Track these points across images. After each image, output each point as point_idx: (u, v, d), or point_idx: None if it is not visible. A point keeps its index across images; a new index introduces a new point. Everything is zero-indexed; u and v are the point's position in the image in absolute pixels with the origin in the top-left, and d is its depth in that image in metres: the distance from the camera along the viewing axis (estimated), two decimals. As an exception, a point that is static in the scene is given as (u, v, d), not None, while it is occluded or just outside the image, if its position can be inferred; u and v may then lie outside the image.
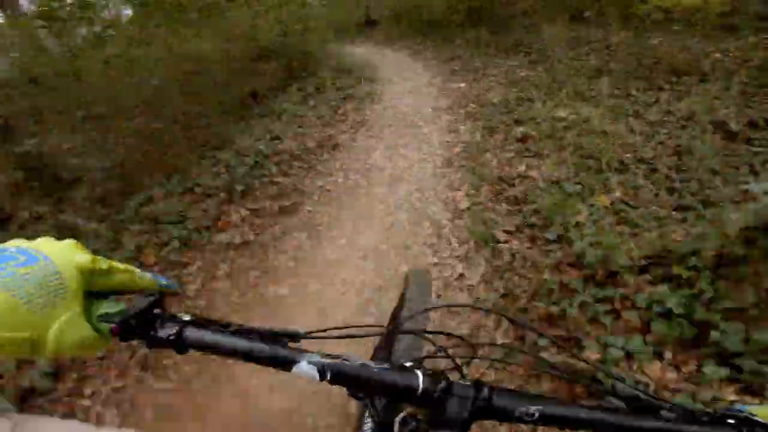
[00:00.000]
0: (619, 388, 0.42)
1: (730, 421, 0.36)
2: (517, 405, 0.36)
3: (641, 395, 0.40)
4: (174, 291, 0.39)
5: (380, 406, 0.42)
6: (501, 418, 0.36)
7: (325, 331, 0.40)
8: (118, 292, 0.36)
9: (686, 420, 0.36)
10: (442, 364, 0.42)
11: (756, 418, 0.36)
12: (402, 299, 0.83)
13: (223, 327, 0.38)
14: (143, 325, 0.36)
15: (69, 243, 0.33)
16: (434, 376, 0.37)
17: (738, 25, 4.44)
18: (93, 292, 0.33)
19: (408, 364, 0.38)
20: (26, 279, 0.29)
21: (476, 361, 0.45)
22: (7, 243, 0.32)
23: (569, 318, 1.53)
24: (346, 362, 0.37)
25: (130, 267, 0.36)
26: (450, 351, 0.43)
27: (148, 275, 0.37)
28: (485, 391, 0.36)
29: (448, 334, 0.44)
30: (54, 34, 4.03)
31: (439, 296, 1.73)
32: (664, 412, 0.37)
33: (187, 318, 0.37)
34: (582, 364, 1.19)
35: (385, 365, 0.37)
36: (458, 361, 0.42)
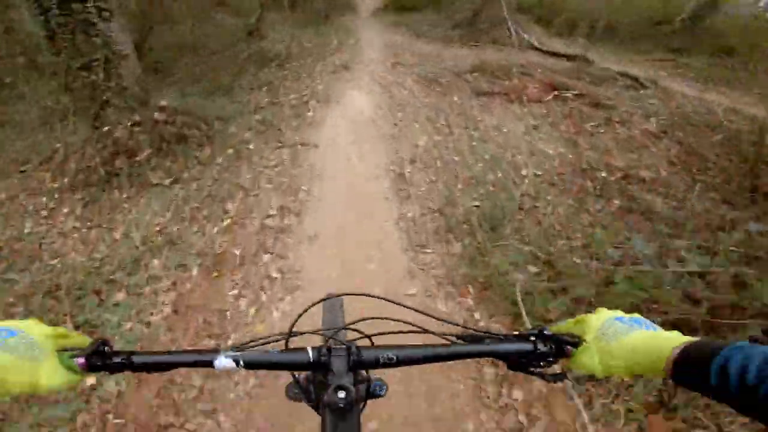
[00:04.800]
0: (458, 329, 0.61)
1: (532, 338, 0.57)
2: (379, 355, 0.54)
3: (473, 331, 0.60)
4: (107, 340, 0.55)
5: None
6: (372, 366, 0.55)
7: (245, 344, 0.55)
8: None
9: (501, 341, 0.57)
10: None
11: (546, 331, 0.57)
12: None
13: (156, 353, 0.54)
14: (101, 359, 0.52)
15: (33, 320, 0.52)
16: (319, 348, 0.55)
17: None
18: (60, 350, 0.51)
19: (301, 346, 0.55)
20: (14, 344, 0.46)
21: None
22: None
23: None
24: (253, 353, 0.53)
25: (78, 333, 0.55)
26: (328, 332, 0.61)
27: (88, 338, 0.54)
28: (354, 350, 0.55)
29: (340, 329, 0.63)
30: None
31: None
32: (486, 341, 0.58)
33: (128, 350, 0.54)
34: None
35: (281, 350, 0.55)
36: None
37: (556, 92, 6.07)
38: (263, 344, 0.56)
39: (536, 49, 8.75)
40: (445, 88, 6.05)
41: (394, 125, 4.87)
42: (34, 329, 0.50)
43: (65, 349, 0.51)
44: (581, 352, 0.54)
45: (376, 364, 0.54)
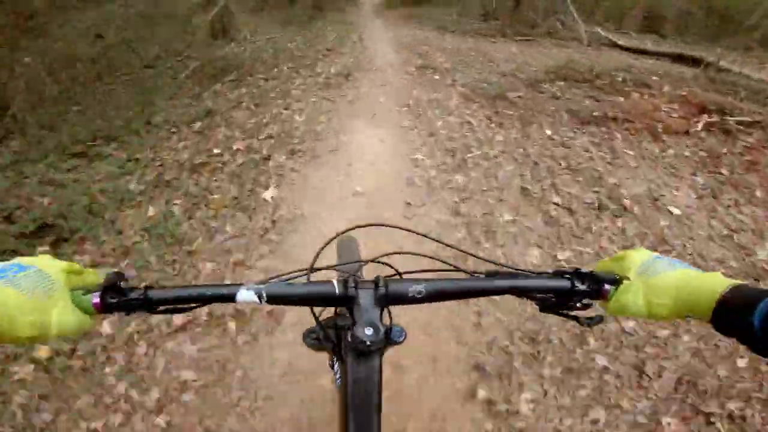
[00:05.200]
0: (489, 265, 0.54)
1: (567, 276, 0.50)
2: (408, 288, 0.48)
3: (504, 268, 0.53)
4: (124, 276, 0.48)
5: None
6: (400, 301, 0.48)
7: (267, 279, 0.49)
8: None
9: (535, 278, 0.50)
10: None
11: (583, 269, 0.50)
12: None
13: (174, 287, 0.47)
14: (117, 295, 0.44)
15: (46, 255, 0.45)
16: (345, 281, 0.48)
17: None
18: (74, 289, 0.44)
19: (325, 279, 0.49)
20: (25, 280, 0.39)
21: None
22: (7, 262, 0.42)
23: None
24: (276, 285, 0.47)
25: (93, 270, 0.47)
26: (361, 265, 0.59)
27: (104, 272, 0.47)
28: (382, 283, 0.48)
29: (344, 264, 0.62)
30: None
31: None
32: (520, 277, 0.51)
33: (145, 285, 0.46)
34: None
35: (307, 282, 0.49)
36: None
37: (707, 118, 3.52)
38: (286, 279, 0.50)
39: (617, 46, 6.19)
40: (521, 110, 3.49)
41: (457, 215, 2.29)
42: (47, 264, 0.44)
43: (78, 288, 0.44)
44: (623, 291, 0.46)
45: (405, 298, 0.48)
